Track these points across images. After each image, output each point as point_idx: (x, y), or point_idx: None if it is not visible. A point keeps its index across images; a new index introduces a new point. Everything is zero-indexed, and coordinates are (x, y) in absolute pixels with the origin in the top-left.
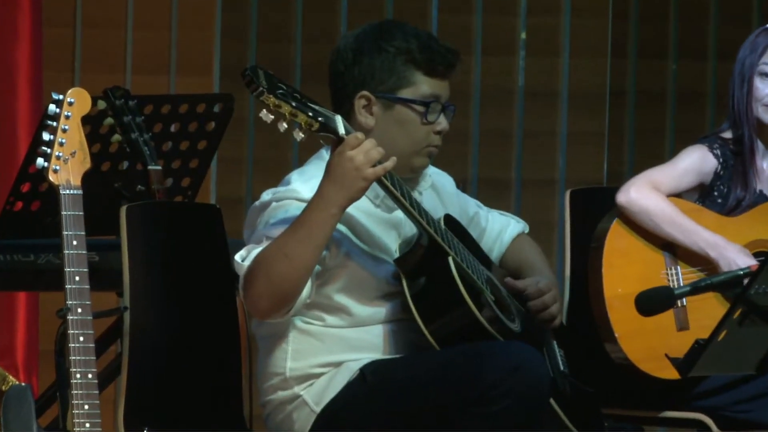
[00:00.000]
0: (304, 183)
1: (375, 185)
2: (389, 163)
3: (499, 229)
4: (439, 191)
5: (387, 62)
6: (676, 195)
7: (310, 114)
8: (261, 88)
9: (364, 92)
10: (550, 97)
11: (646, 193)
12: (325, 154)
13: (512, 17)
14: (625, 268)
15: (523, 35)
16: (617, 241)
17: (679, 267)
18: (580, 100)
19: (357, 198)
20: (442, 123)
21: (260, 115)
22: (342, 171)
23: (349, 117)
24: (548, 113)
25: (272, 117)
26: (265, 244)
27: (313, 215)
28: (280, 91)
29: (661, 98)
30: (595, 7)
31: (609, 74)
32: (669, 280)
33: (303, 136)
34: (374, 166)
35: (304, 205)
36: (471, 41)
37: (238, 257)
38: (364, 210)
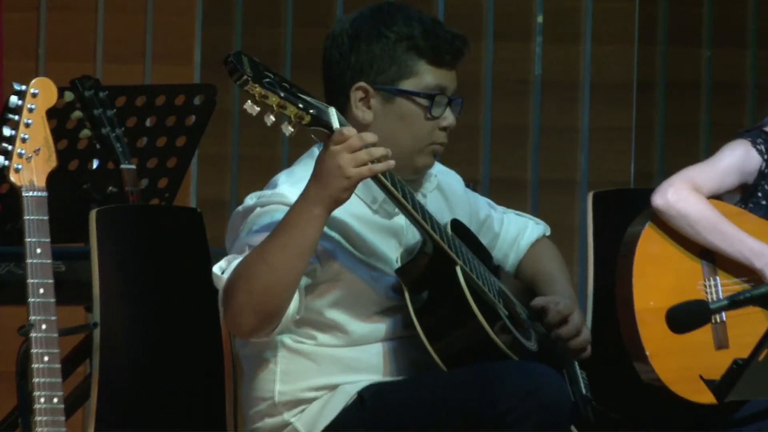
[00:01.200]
0: (292, 185)
1: (373, 187)
2: (380, 166)
3: (515, 233)
4: (446, 193)
5: (387, 50)
6: (717, 196)
7: (301, 105)
8: (245, 77)
9: (362, 83)
10: (571, 89)
11: (685, 196)
12: (317, 152)
13: None
14: (658, 279)
15: (540, 19)
16: (650, 247)
17: (718, 278)
18: (604, 92)
19: (342, 199)
20: (449, 118)
21: (245, 106)
22: (326, 168)
23: (344, 111)
24: (568, 106)
25: (258, 109)
26: (247, 253)
27: (295, 217)
28: (267, 80)
29: (694, 89)
30: None
31: (636, 63)
32: (707, 293)
33: (292, 130)
34: (363, 165)
35: None
36: (481, 26)
37: (216, 269)
38: (360, 216)
